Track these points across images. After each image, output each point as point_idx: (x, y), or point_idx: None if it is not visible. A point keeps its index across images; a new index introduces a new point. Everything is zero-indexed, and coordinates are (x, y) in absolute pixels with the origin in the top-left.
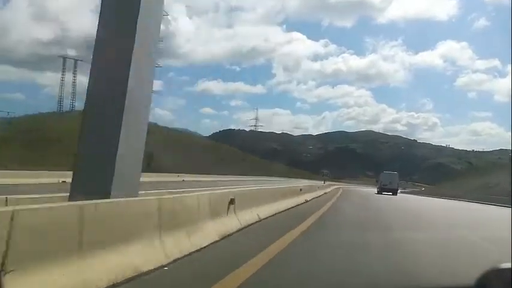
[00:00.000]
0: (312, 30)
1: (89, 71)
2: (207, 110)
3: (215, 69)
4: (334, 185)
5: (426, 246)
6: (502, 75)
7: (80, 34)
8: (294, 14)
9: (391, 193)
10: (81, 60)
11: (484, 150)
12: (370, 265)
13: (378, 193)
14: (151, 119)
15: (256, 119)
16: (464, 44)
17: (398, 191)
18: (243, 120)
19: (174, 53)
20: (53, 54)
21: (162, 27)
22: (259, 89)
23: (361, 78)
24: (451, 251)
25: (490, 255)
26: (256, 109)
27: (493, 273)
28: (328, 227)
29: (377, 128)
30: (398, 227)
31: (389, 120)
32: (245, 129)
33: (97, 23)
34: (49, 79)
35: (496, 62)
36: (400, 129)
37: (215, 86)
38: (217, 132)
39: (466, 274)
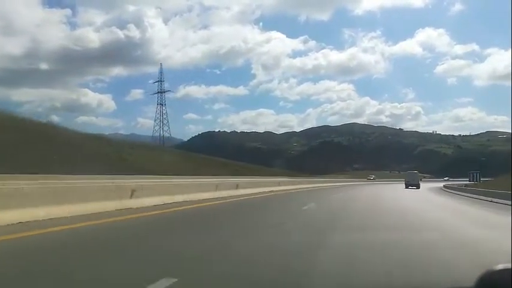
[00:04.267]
0: (290, 27)
1: None
2: (191, 115)
3: (195, 74)
4: (296, 183)
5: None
6: (481, 59)
7: (52, 47)
8: (270, 10)
9: (415, 187)
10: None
11: (471, 134)
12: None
13: (405, 188)
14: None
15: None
16: (441, 30)
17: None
18: (228, 123)
19: (152, 60)
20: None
21: (137, 34)
22: (241, 90)
23: (343, 72)
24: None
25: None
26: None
27: (493, 274)
28: None
29: (361, 120)
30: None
31: (373, 112)
32: (226, 130)
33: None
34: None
35: (474, 46)
36: (384, 120)
37: (197, 91)
38: (196, 135)
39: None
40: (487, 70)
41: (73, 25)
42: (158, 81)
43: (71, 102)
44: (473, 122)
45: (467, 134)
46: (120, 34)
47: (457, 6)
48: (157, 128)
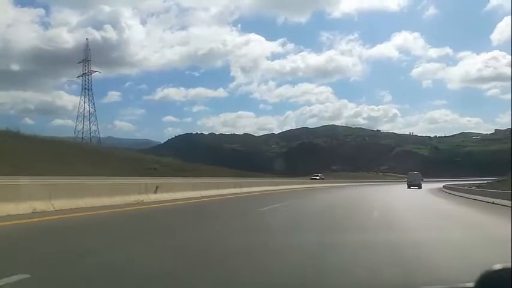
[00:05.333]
0: (268, 29)
1: None
2: (169, 118)
3: (174, 76)
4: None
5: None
6: (454, 62)
7: (24, 47)
8: (248, 11)
9: (417, 187)
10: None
11: (446, 135)
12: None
13: (407, 188)
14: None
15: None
16: (416, 34)
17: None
18: (208, 126)
19: (129, 61)
20: None
21: (114, 35)
22: (220, 92)
23: (321, 74)
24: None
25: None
26: None
27: (492, 274)
28: None
29: (340, 123)
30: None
31: (350, 114)
32: (204, 132)
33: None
34: None
35: (447, 50)
36: (362, 122)
37: (175, 93)
38: (173, 137)
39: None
40: (460, 73)
41: (46, 25)
42: (84, 60)
43: (45, 104)
44: (448, 123)
45: (442, 136)
46: (96, 35)
47: (431, 11)
48: (92, 123)
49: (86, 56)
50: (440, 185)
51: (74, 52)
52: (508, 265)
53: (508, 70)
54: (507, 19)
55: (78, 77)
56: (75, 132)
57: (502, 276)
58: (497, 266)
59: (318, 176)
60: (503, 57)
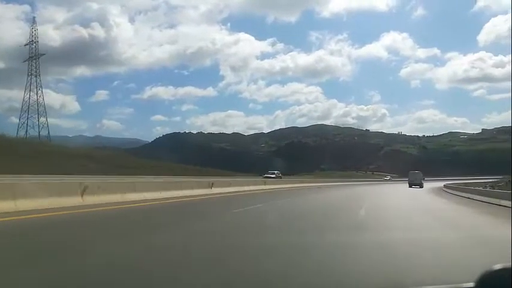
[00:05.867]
0: (258, 28)
1: None
2: (158, 117)
3: (162, 75)
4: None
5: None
6: (442, 63)
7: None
8: (237, 10)
9: (418, 186)
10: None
11: (434, 134)
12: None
13: (409, 187)
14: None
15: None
16: (405, 34)
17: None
18: (197, 125)
19: (117, 60)
20: None
21: (102, 33)
22: (210, 91)
23: (310, 74)
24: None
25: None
26: None
27: (492, 274)
28: None
29: (329, 122)
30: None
31: (340, 114)
32: (192, 131)
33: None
34: None
35: (435, 51)
36: (351, 122)
37: (164, 92)
38: (160, 136)
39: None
40: (448, 74)
41: (31, 22)
42: (31, 42)
43: (31, 103)
44: (436, 123)
45: (430, 135)
46: (84, 32)
47: (419, 11)
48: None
49: (33, 37)
50: (439, 184)
51: (61, 49)
52: (508, 265)
53: (493, 71)
54: (493, 20)
55: (24, 61)
56: (19, 127)
57: (502, 276)
58: (497, 266)
59: (273, 173)
60: (489, 58)
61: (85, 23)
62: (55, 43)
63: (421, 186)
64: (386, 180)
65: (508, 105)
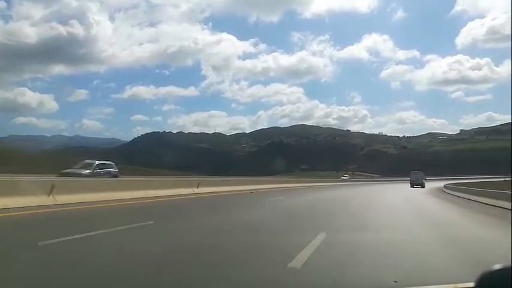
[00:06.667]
0: (240, 28)
1: None
2: (139, 116)
3: (143, 74)
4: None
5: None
6: (421, 65)
7: None
8: (219, 9)
9: (420, 186)
10: None
11: (414, 135)
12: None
13: (411, 187)
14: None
15: None
16: (386, 36)
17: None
18: (179, 125)
19: (96, 58)
20: None
21: (81, 30)
22: (191, 91)
23: (292, 75)
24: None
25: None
26: None
27: (492, 273)
28: None
29: (310, 123)
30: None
31: (321, 115)
32: (172, 131)
33: None
34: None
35: (415, 53)
36: (332, 123)
37: (145, 91)
38: (139, 136)
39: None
40: (427, 76)
41: (7, 18)
42: None
43: (7, 102)
44: (415, 124)
45: (410, 136)
46: (62, 30)
47: (400, 14)
48: None
49: None
50: (438, 184)
51: (37, 47)
52: (508, 265)
53: (470, 73)
54: (470, 24)
55: None
56: None
57: (502, 276)
58: (497, 266)
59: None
60: (467, 61)
61: (63, 21)
62: (31, 40)
63: (423, 186)
64: (344, 179)
65: (484, 107)
